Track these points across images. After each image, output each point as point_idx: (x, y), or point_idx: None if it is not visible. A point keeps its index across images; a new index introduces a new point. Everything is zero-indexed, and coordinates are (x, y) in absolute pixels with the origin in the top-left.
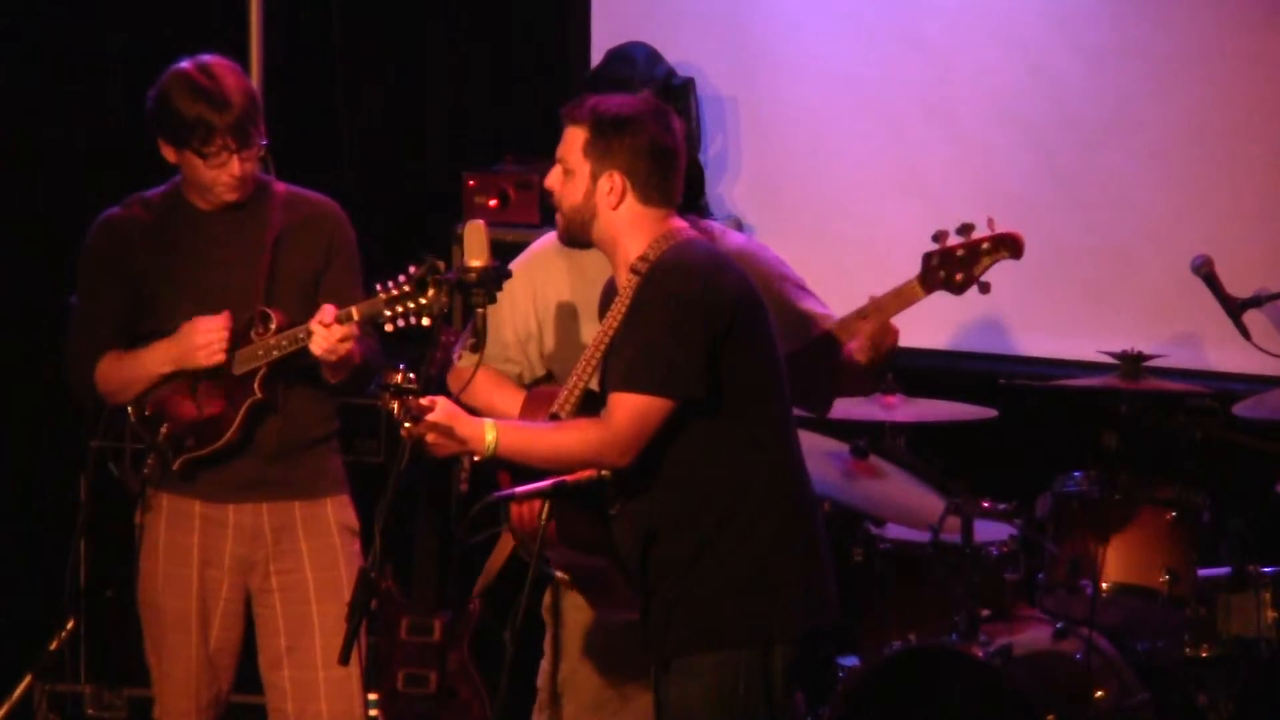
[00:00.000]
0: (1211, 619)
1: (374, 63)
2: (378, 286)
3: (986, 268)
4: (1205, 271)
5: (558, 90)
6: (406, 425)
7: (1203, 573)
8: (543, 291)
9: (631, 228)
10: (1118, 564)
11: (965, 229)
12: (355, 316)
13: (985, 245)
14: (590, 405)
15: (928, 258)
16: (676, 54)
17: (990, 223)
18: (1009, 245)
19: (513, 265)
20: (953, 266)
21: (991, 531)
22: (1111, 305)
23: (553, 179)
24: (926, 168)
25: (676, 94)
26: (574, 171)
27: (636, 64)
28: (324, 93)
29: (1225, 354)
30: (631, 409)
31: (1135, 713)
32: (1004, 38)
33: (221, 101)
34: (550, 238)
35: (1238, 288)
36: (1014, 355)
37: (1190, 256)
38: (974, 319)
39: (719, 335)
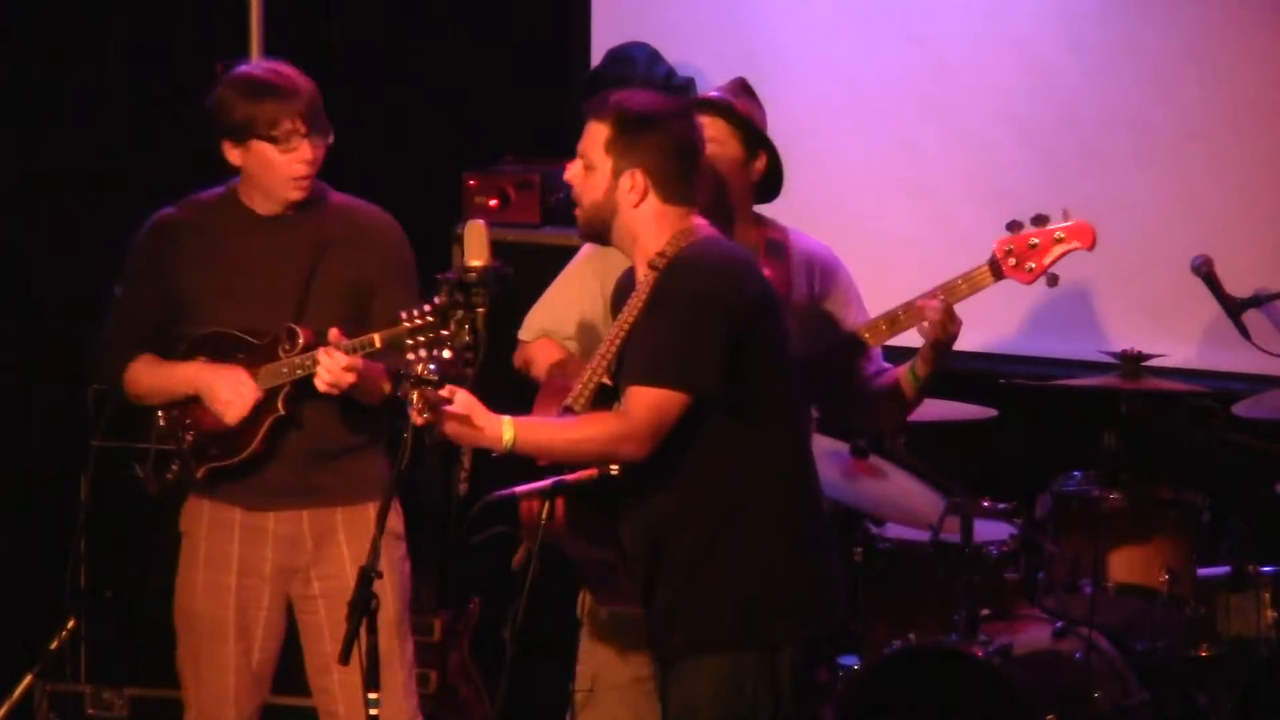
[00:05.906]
0: (1211, 619)
1: (374, 63)
2: (401, 315)
3: (1058, 258)
4: (1205, 271)
5: (558, 90)
6: (425, 415)
7: (1203, 573)
8: (611, 279)
9: (652, 225)
10: (1118, 564)
11: (1039, 219)
12: (378, 344)
13: (1058, 234)
14: (604, 400)
15: (1000, 245)
16: (676, 54)
17: (1065, 214)
18: (1081, 235)
19: (586, 252)
20: (1024, 255)
21: (991, 531)
22: (1111, 305)
23: (573, 174)
24: (926, 167)
25: (677, 94)
26: (595, 168)
27: (636, 64)
28: (324, 92)
29: (1225, 354)
30: (650, 402)
31: (1135, 713)
32: (1004, 37)
33: (288, 89)
34: None
35: (1237, 288)
36: (1014, 355)
37: (1190, 256)
38: (974, 319)
39: (738, 334)
